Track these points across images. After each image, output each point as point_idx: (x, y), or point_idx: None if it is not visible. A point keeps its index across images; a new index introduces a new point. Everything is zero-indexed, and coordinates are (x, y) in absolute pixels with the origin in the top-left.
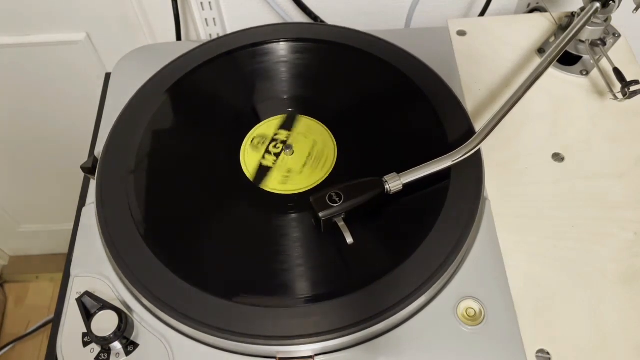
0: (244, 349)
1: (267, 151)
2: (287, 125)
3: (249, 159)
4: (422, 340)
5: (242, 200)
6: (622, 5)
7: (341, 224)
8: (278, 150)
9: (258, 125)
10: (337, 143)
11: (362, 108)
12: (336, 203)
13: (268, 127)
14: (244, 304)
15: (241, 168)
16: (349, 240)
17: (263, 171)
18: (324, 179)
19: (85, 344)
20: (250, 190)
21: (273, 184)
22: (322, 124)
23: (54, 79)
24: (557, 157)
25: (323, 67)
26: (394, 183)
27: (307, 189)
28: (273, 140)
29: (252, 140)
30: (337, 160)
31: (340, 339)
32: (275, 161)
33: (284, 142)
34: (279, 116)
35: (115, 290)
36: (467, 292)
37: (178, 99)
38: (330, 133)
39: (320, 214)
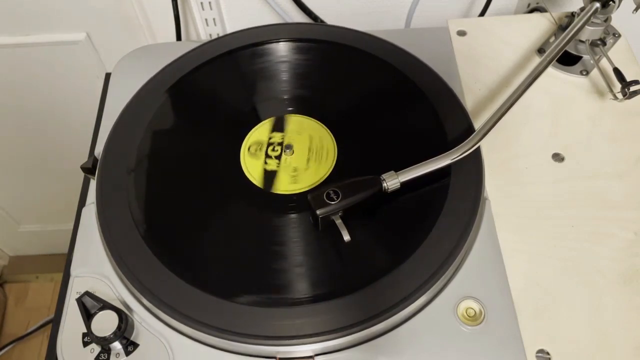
0: (244, 349)
1: (268, 156)
2: (279, 127)
3: (249, 159)
4: (422, 340)
5: (241, 200)
6: (622, 5)
7: (338, 221)
8: (277, 153)
9: (250, 132)
10: (337, 143)
11: (362, 108)
12: (334, 201)
13: (260, 132)
14: (244, 304)
15: (241, 168)
16: (346, 237)
17: (270, 176)
18: (324, 178)
19: (85, 344)
20: (250, 190)
21: (284, 186)
22: (321, 124)
23: (54, 79)
24: (557, 157)
25: (323, 67)
26: (392, 181)
27: (306, 189)
28: (269, 144)
29: (249, 149)
30: (337, 160)
31: (340, 339)
32: (278, 164)
33: (280, 144)
34: (267, 120)
35: (115, 290)
36: (467, 292)
37: (178, 99)
38: (330, 133)
39: (318, 212)
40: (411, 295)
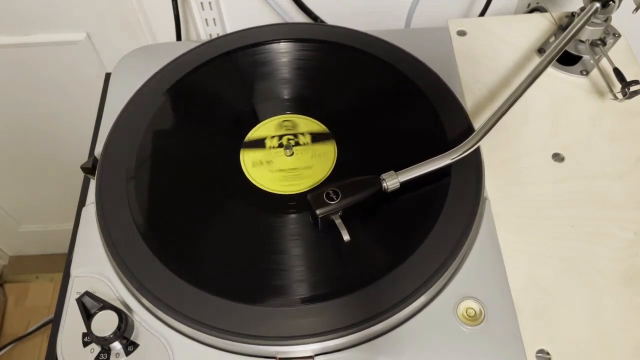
0: (244, 349)
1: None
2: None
3: (249, 159)
4: (422, 340)
5: (241, 200)
6: (622, 5)
7: (338, 221)
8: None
9: (250, 132)
10: (337, 143)
11: (362, 108)
12: (333, 201)
13: (262, 131)
14: (244, 304)
15: (241, 168)
16: (346, 237)
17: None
18: (324, 178)
19: (85, 344)
20: (250, 190)
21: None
22: (321, 124)
23: (54, 79)
24: (557, 157)
25: (323, 67)
26: (392, 181)
27: (306, 189)
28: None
29: (253, 164)
30: (337, 160)
31: (340, 339)
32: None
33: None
34: (266, 121)
35: (115, 290)
36: (467, 292)
37: (178, 99)
38: (330, 133)
39: (318, 212)
40: (411, 295)
